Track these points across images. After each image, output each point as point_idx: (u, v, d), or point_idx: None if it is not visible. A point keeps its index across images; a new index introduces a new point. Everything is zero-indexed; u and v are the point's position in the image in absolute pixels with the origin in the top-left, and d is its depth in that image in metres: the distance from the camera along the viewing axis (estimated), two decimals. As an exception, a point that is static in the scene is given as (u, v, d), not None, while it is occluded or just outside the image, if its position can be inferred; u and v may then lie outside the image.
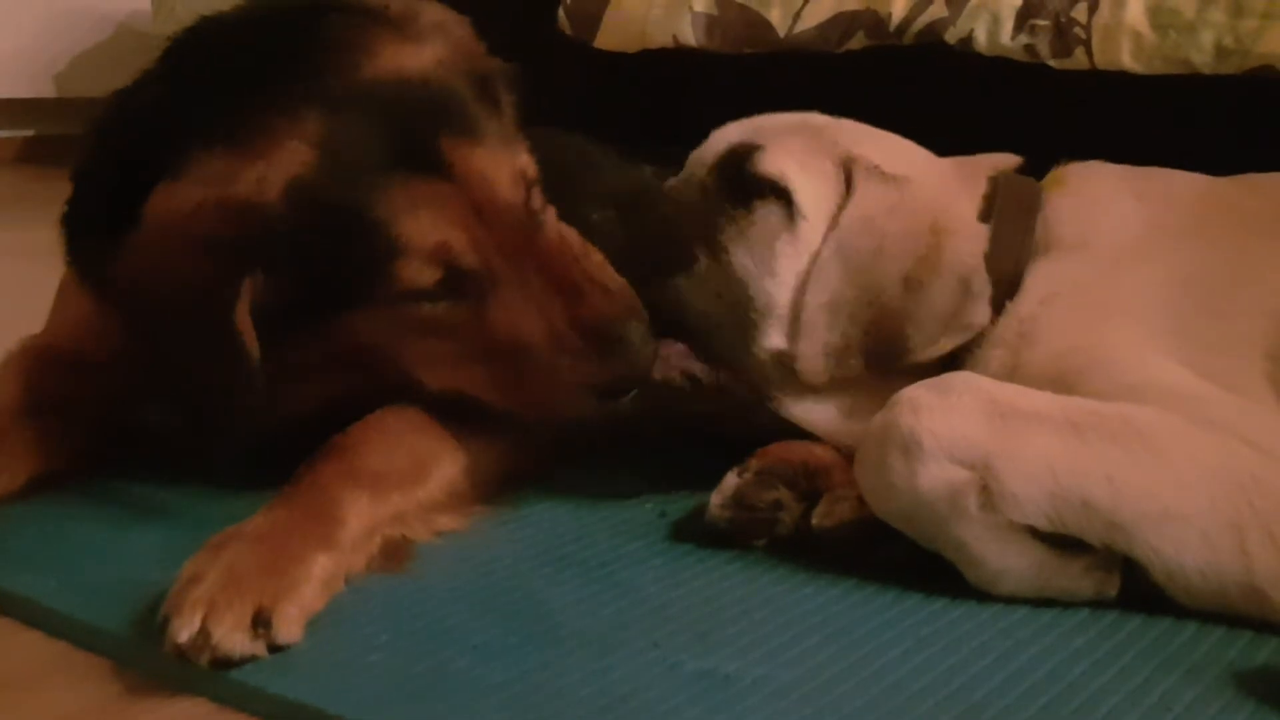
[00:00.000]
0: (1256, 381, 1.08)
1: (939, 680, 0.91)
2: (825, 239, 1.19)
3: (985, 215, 1.22)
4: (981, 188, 1.25)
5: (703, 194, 1.24)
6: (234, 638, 0.88)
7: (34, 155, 3.84)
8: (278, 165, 1.02)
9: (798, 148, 1.23)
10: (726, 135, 1.28)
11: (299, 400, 1.13)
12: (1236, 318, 1.10)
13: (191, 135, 1.06)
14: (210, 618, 0.88)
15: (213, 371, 1.04)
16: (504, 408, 1.13)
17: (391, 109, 1.05)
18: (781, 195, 1.21)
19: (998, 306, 1.16)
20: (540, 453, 1.23)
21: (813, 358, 1.16)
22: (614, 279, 1.12)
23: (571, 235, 1.14)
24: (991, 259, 1.17)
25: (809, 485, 1.13)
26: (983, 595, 1.02)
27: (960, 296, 1.15)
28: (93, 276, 1.15)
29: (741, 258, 1.20)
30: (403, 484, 1.09)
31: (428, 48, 1.10)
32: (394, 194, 1.04)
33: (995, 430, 1.02)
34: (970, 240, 1.17)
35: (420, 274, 1.06)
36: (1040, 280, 1.16)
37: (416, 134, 1.06)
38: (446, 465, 1.14)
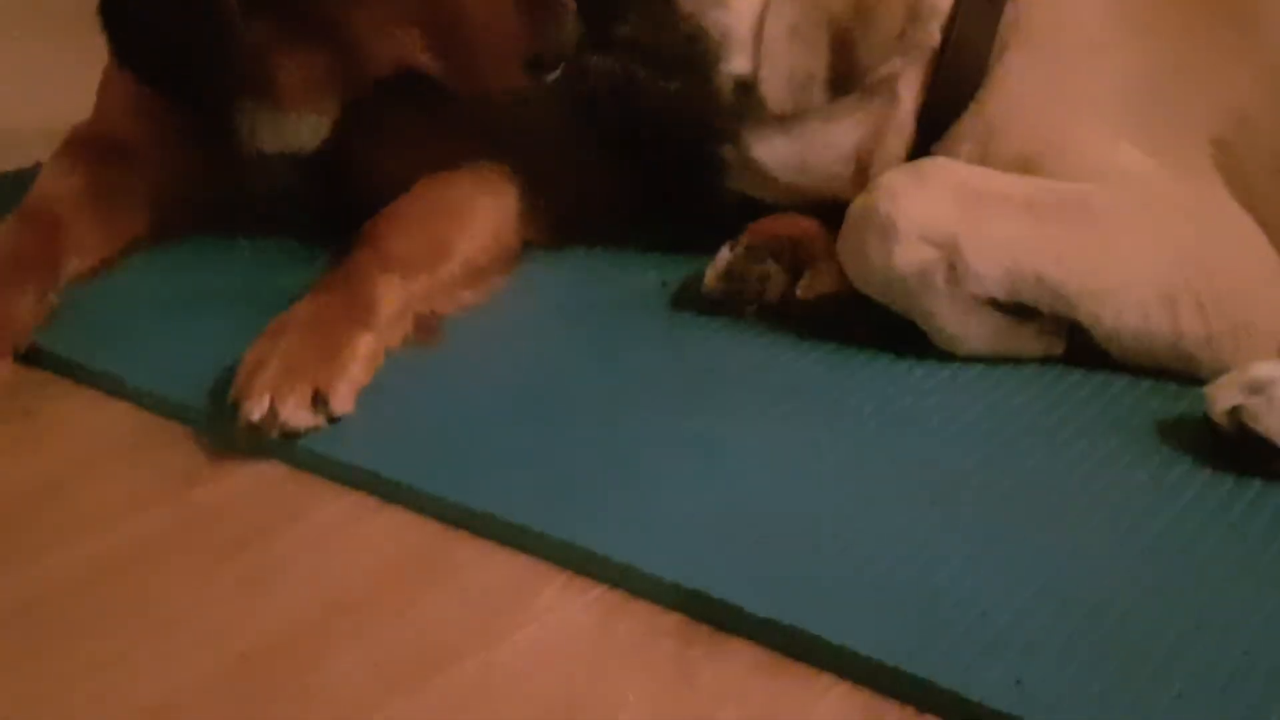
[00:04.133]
0: (1203, 164, 1.19)
1: (897, 437, 1.05)
2: None
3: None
4: None
5: None
6: (298, 414, 1.01)
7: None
8: None
9: None
10: None
11: (293, 75, 1.26)
12: (1187, 106, 1.20)
13: None
14: (276, 398, 1.01)
15: (205, 32, 1.17)
16: (441, 76, 1.25)
17: None
18: None
19: (965, 97, 1.24)
20: (550, 226, 1.36)
21: (776, 82, 1.25)
22: None
23: None
24: (956, 47, 1.24)
25: (795, 256, 1.25)
26: (945, 355, 1.16)
27: (907, 19, 1.24)
28: (130, 59, 1.25)
29: None
30: (429, 265, 1.21)
31: None
32: None
33: (962, 212, 1.14)
34: None
35: None
36: (1007, 74, 1.23)
37: None
38: (465, 244, 1.26)
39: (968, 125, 1.24)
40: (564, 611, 0.87)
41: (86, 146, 1.34)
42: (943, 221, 1.14)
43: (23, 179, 1.38)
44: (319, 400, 1.03)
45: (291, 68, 1.26)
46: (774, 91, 1.26)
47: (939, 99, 1.25)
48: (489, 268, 1.28)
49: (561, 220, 1.37)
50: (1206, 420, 1.04)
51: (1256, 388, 1.01)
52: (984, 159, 1.21)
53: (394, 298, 1.15)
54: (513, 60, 1.23)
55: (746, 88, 1.27)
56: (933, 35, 1.25)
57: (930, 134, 1.25)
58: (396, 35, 1.24)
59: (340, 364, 1.06)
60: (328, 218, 1.34)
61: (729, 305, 1.25)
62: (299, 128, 1.31)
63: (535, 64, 1.24)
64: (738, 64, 1.26)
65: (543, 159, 1.37)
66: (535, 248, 1.35)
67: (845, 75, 1.25)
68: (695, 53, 1.26)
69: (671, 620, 0.87)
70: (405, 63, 1.26)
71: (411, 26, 1.24)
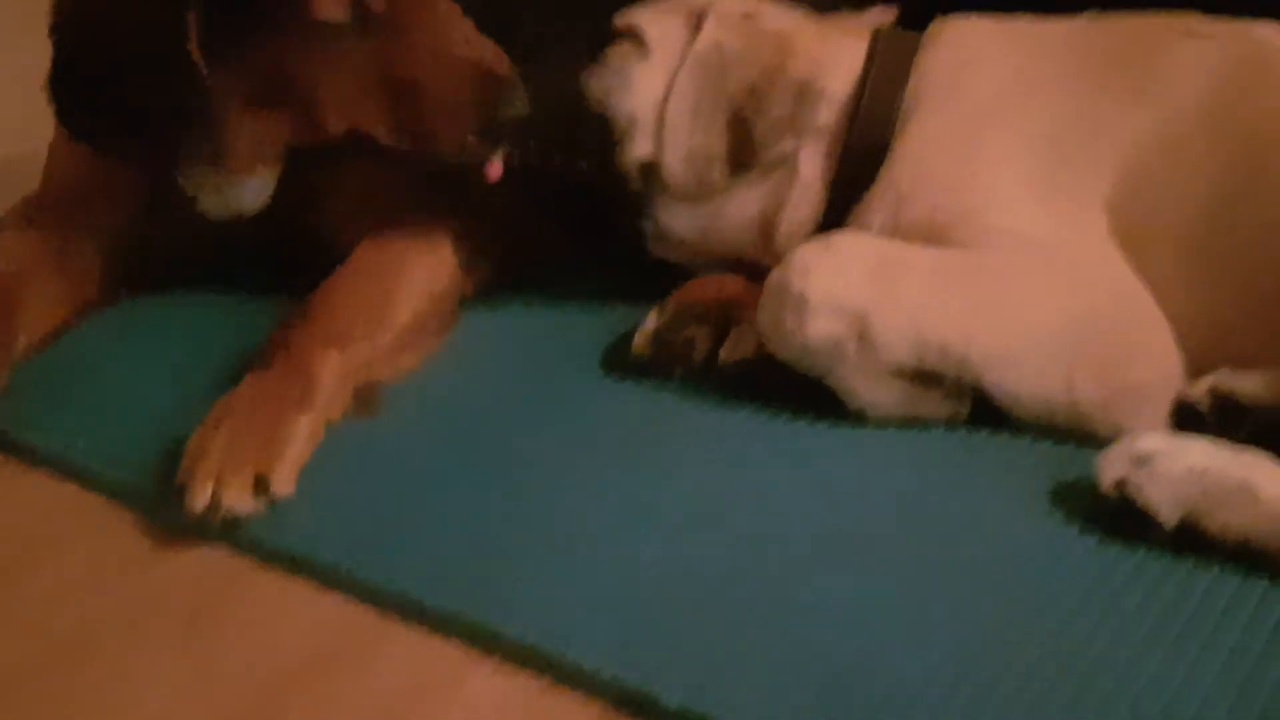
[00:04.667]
0: (1100, 226, 1.25)
1: (811, 502, 1.12)
2: (682, 62, 1.34)
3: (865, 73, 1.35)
4: (864, 44, 1.37)
5: None
6: (240, 500, 1.07)
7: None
8: None
9: (653, 8, 1.39)
10: None
11: (246, 136, 1.31)
12: (1085, 168, 1.26)
13: None
14: (219, 486, 1.06)
15: (170, 93, 1.22)
16: (395, 141, 1.31)
17: None
18: (634, 36, 1.37)
19: (873, 168, 1.30)
20: (487, 281, 1.42)
21: (678, 162, 1.34)
22: (489, 42, 1.31)
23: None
24: (862, 120, 1.32)
25: (721, 318, 1.32)
26: (859, 418, 1.23)
27: (797, 103, 1.32)
28: (79, 125, 1.30)
29: (598, 84, 1.37)
30: (367, 334, 1.26)
31: None
32: None
33: (871, 287, 1.21)
34: (812, 67, 1.33)
35: (332, 9, 1.24)
36: (913, 143, 1.30)
37: None
38: (403, 310, 1.31)
39: (879, 194, 1.30)
40: (490, 698, 0.94)
41: (39, 214, 1.39)
42: (852, 296, 1.20)
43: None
44: (261, 485, 1.08)
45: (244, 132, 1.30)
46: (676, 173, 1.34)
47: (848, 170, 1.32)
48: (428, 329, 1.34)
49: (498, 274, 1.44)
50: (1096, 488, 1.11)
51: (1141, 460, 1.08)
52: (895, 226, 1.28)
53: (332, 373, 1.20)
54: (464, 130, 1.29)
55: (651, 168, 1.35)
56: (823, 116, 1.32)
57: (843, 202, 1.32)
58: (353, 102, 1.29)
59: (280, 448, 1.11)
60: (274, 272, 1.39)
61: (657, 368, 1.31)
62: (244, 190, 1.36)
63: (485, 134, 1.30)
64: (641, 147, 1.36)
65: (480, 215, 1.43)
66: (472, 303, 1.40)
67: (743, 155, 1.32)
68: (604, 136, 1.35)
69: (596, 708, 0.92)
70: (359, 128, 1.31)
71: (369, 94, 1.29)
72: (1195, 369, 1.22)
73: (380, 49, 1.27)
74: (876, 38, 1.38)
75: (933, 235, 1.25)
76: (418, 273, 1.35)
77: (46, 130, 1.40)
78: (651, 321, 1.31)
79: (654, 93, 1.35)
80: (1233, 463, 1.07)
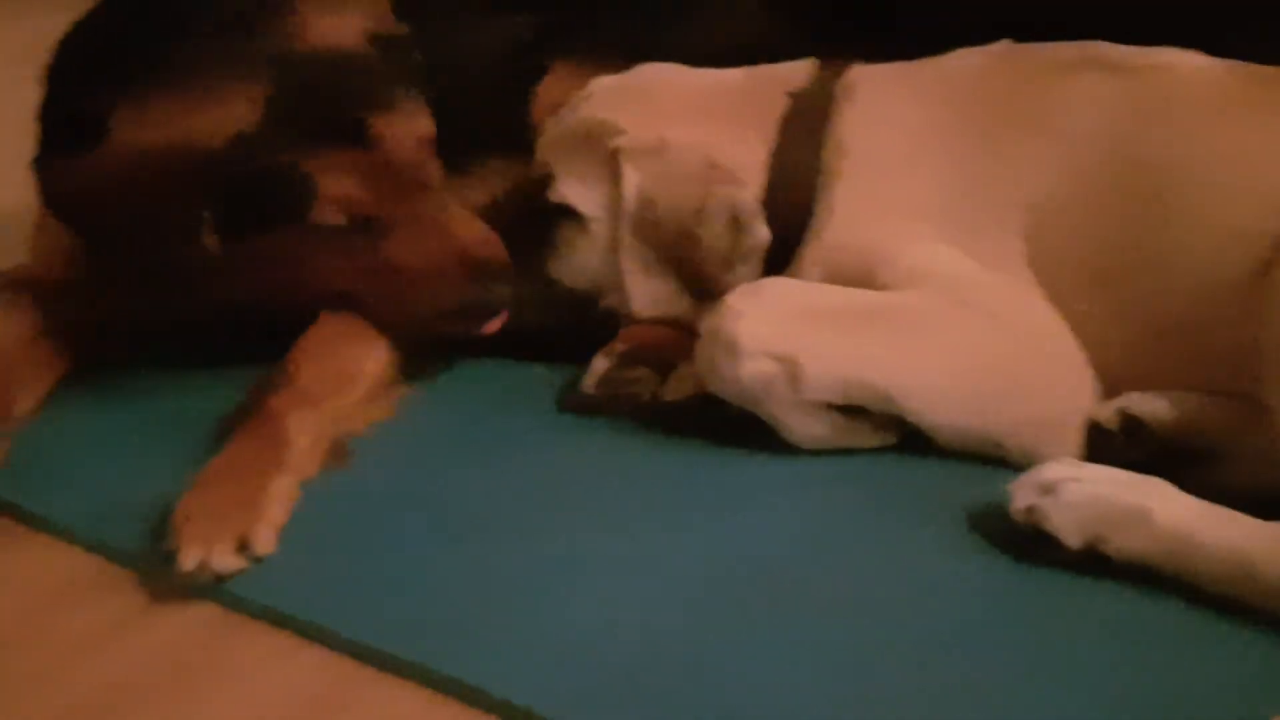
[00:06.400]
0: (1015, 261, 1.34)
1: (742, 538, 1.22)
2: (617, 221, 1.44)
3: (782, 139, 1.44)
4: (778, 108, 1.45)
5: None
6: (226, 560, 1.17)
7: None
8: (227, 119, 1.30)
9: (578, 164, 1.47)
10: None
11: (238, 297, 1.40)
12: (997, 205, 1.35)
13: (143, 76, 1.31)
14: (206, 549, 1.17)
15: (174, 272, 1.33)
16: (387, 323, 1.42)
17: (324, 83, 1.34)
18: (573, 213, 1.47)
19: (795, 232, 1.39)
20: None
21: (646, 307, 1.44)
22: (482, 226, 1.41)
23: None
24: (778, 190, 1.41)
25: (662, 360, 1.41)
26: (793, 447, 1.32)
27: (733, 233, 1.41)
28: (63, 208, 1.40)
29: (558, 268, 1.48)
30: (339, 391, 1.36)
31: (351, 19, 1.36)
32: (320, 157, 1.33)
33: (798, 328, 1.31)
34: (734, 183, 1.41)
35: (331, 216, 1.35)
36: (836, 201, 1.39)
37: (344, 109, 1.34)
38: (372, 363, 1.42)
39: (811, 252, 1.39)
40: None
41: (24, 292, 1.48)
42: (781, 338, 1.30)
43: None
44: (243, 545, 1.18)
45: (230, 281, 1.38)
46: (643, 310, 1.45)
47: (777, 233, 1.40)
48: (394, 378, 1.44)
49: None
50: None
51: (1047, 488, 1.17)
52: (830, 279, 1.37)
53: (305, 434, 1.30)
54: (451, 313, 1.41)
55: (619, 310, 1.46)
56: (761, 232, 1.40)
57: (778, 263, 1.40)
58: (345, 284, 1.40)
59: (260, 509, 1.21)
60: (248, 336, 1.47)
61: (606, 408, 1.41)
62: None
63: (470, 316, 1.42)
64: (610, 300, 1.47)
65: None
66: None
67: (704, 289, 1.42)
68: (576, 299, 1.48)
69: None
70: (342, 298, 1.41)
71: (361, 278, 1.40)
72: (1111, 390, 1.31)
73: (374, 242, 1.38)
74: (791, 105, 1.45)
75: (863, 282, 1.34)
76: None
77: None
78: (600, 365, 1.41)
79: (606, 262, 1.45)
80: (1132, 489, 1.16)
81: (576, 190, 1.48)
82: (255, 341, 1.44)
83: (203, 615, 1.17)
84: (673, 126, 1.45)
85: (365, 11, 1.39)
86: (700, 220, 1.41)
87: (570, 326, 1.49)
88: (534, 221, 1.50)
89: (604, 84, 1.54)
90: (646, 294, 1.45)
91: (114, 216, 1.32)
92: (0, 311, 1.47)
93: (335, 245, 1.37)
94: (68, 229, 1.41)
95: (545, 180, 1.50)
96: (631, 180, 1.44)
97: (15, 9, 2.94)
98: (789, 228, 1.40)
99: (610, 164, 1.46)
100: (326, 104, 1.33)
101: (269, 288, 1.40)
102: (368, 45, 1.37)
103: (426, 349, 1.46)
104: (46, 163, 1.39)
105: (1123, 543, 1.14)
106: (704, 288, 1.42)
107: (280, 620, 1.15)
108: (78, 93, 1.36)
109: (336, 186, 1.33)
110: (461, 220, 1.42)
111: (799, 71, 1.49)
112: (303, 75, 1.32)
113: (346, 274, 1.39)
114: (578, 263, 1.49)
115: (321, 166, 1.32)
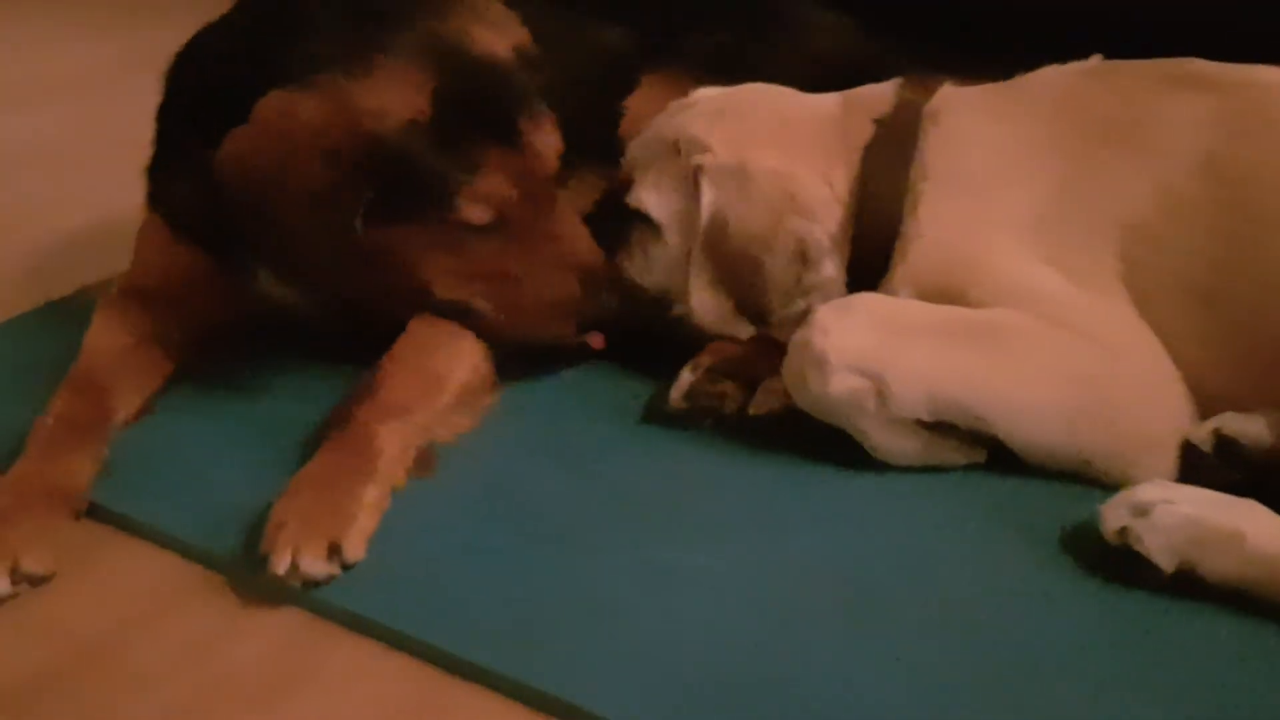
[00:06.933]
0: (1109, 279, 1.32)
1: (834, 552, 1.22)
2: (691, 236, 1.46)
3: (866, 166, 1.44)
4: (864, 135, 1.45)
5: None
6: (316, 565, 1.19)
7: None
8: (399, 104, 1.33)
9: (660, 173, 1.49)
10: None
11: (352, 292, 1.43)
12: (1092, 224, 1.34)
13: (307, 57, 1.33)
14: (297, 553, 1.19)
15: (312, 249, 1.35)
16: (497, 330, 1.43)
17: (486, 84, 1.38)
18: (648, 219, 1.49)
19: (881, 258, 1.39)
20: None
21: (709, 322, 1.46)
22: (590, 237, 1.46)
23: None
24: (863, 217, 1.41)
25: (748, 374, 1.41)
26: (880, 464, 1.32)
27: (798, 267, 1.42)
28: (179, 217, 1.44)
29: (631, 266, 1.50)
30: (425, 402, 1.37)
31: (504, 37, 1.41)
32: (480, 154, 1.36)
33: (886, 344, 1.30)
34: (807, 215, 1.42)
35: (478, 214, 1.39)
36: (924, 224, 1.38)
37: (503, 112, 1.39)
38: (458, 373, 1.43)
39: (900, 274, 1.38)
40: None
41: (128, 300, 1.51)
42: (869, 353, 1.29)
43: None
44: (334, 551, 1.20)
45: (353, 273, 1.40)
46: (709, 324, 1.46)
47: (863, 256, 1.41)
48: (482, 389, 1.45)
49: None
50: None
51: (1140, 510, 1.16)
52: (921, 299, 1.35)
53: (394, 443, 1.31)
54: (562, 320, 1.45)
55: (686, 319, 1.48)
56: (828, 269, 1.41)
57: (864, 289, 1.39)
58: (465, 283, 1.43)
59: (350, 516, 1.23)
60: (337, 344, 1.50)
61: (691, 420, 1.41)
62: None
63: (582, 325, 1.46)
64: (678, 309, 1.48)
65: None
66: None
67: (761, 316, 1.44)
68: (658, 302, 1.50)
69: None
70: (460, 303, 1.44)
71: (481, 279, 1.43)
72: (1206, 410, 1.29)
73: (503, 245, 1.41)
74: (876, 132, 1.45)
75: (951, 300, 1.34)
76: (469, 339, 1.45)
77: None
78: (686, 378, 1.42)
79: (678, 269, 1.47)
80: (1226, 511, 1.15)
81: (654, 198, 1.50)
82: (347, 347, 1.47)
83: (293, 621, 1.19)
84: (760, 150, 1.45)
85: (513, 30, 1.43)
86: (768, 249, 1.43)
87: (643, 325, 1.50)
88: (614, 220, 1.53)
89: (706, 95, 1.55)
90: (710, 310, 1.46)
91: (273, 192, 1.32)
92: (102, 319, 1.49)
93: (465, 245, 1.40)
94: (176, 233, 1.44)
95: (627, 184, 1.52)
96: (708, 199, 1.45)
97: (129, 21, 3.04)
98: (875, 254, 1.40)
99: (690, 179, 1.47)
100: (487, 104, 1.37)
101: (385, 285, 1.42)
102: (520, 61, 1.41)
103: (520, 357, 1.47)
104: (167, 175, 1.44)
105: (1216, 566, 1.13)
106: (761, 317, 1.44)
107: (368, 628, 1.17)
108: (220, 82, 1.38)
109: (488, 184, 1.37)
110: (576, 231, 1.46)
111: (885, 95, 1.49)
112: (467, 74, 1.36)
113: (467, 277, 1.42)
114: (650, 266, 1.51)
115: (478, 162, 1.36)
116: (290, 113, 1.32)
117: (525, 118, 1.39)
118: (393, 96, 1.33)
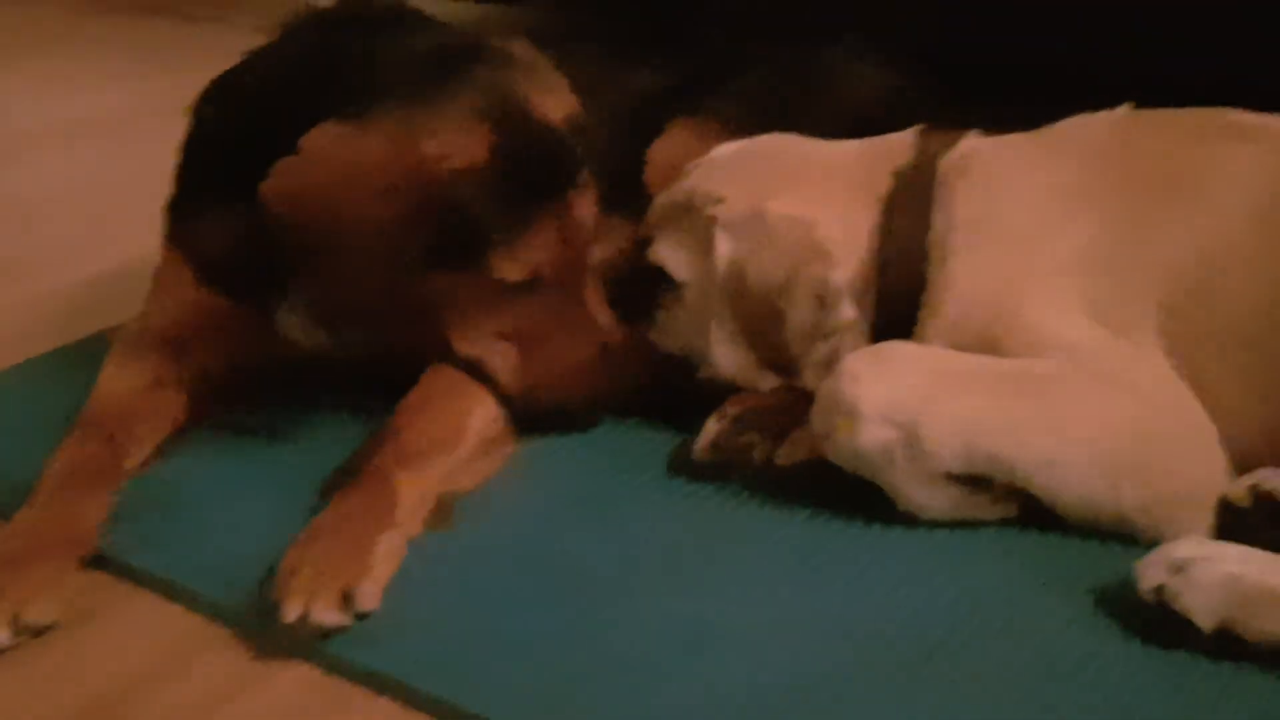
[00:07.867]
0: (1147, 333, 1.29)
1: (865, 609, 1.18)
2: (710, 291, 1.44)
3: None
4: (884, 184, 1.42)
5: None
6: (328, 614, 1.15)
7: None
8: (461, 151, 1.31)
9: (677, 229, 1.47)
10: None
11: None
12: (1133, 273, 1.30)
13: (361, 93, 1.32)
14: (309, 601, 1.15)
15: (359, 287, 1.32)
16: (510, 383, 1.41)
17: (542, 149, 1.36)
18: (670, 279, 1.47)
19: (907, 308, 1.36)
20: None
21: (733, 375, 1.43)
22: (608, 311, 1.46)
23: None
24: (886, 266, 1.38)
25: (775, 424, 1.38)
26: (911, 518, 1.28)
27: (816, 312, 1.38)
28: (201, 255, 1.40)
29: (657, 334, 1.49)
30: (445, 449, 1.34)
31: (560, 104, 1.40)
32: (528, 215, 1.35)
33: (919, 395, 1.26)
34: (825, 260, 1.39)
35: (514, 273, 1.37)
36: (957, 276, 1.34)
37: (554, 177, 1.37)
38: (479, 418, 1.40)
39: (933, 326, 1.34)
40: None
41: (143, 342, 1.48)
42: (901, 404, 1.26)
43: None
44: (347, 600, 1.16)
45: (379, 319, 1.38)
46: (733, 377, 1.43)
47: (889, 311, 1.37)
48: (503, 437, 1.42)
49: None
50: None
51: (1177, 567, 1.12)
52: (955, 346, 1.32)
53: (412, 491, 1.28)
54: (577, 389, 1.43)
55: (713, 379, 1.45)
56: (847, 312, 1.38)
57: (885, 339, 1.36)
58: (487, 341, 1.41)
59: (365, 565, 1.19)
60: (354, 390, 1.48)
61: (717, 472, 1.38)
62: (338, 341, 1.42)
63: (601, 393, 1.44)
64: (704, 370, 1.45)
65: None
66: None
67: (784, 364, 1.41)
68: (683, 365, 1.47)
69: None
70: (478, 359, 1.41)
71: (504, 338, 1.41)
72: (1243, 466, 1.25)
73: (531, 307, 1.39)
74: (896, 180, 1.42)
75: (985, 350, 1.30)
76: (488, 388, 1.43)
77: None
78: (712, 428, 1.38)
79: (701, 329, 1.45)
80: (1265, 569, 1.12)
81: (672, 255, 1.48)
82: (365, 392, 1.45)
83: (306, 678, 1.15)
84: (776, 199, 1.43)
85: (565, 97, 1.41)
86: (786, 296, 1.40)
87: (671, 390, 1.47)
88: (635, 283, 1.51)
89: (722, 151, 1.53)
90: (733, 363, 1.44)
91: (327, 223, 1.29)
92: (115, 362, 1.47)
93: (496, 302, 1.38)
94: (197, 273, 1.40)
95: (645, 243, 1.50)
96: (723, 249, 1.43)
97: (145, 68, 3.05)
98: (898, 304, 1.37)
99: (706, 232, 1.45)
100: (543, 167, 1.36)
101: (408, 332, 1.39)
102: (572, 128, 1.40)
103: (530, 422, 1.45)
104: (188, 213, 1.41)
105: (1258, 625, 1.10)
106: (785, 366, 1.41)
107: (384, 685, 1.13)
108: (257, 116, 1.36)
109: (531, 245, 1.36)
110: (599, 304, 1.44)
111: (906, 143, 1.46)
112: (526, 134, 1.35)
113: (491, 334, 1.40)
114: (673, 328, 1.48)
115: (525, 222, 1.35)
116: (348, 146, 1.30)
117: (571, 184, 1.39)
118: (456, 141, 1.31)
